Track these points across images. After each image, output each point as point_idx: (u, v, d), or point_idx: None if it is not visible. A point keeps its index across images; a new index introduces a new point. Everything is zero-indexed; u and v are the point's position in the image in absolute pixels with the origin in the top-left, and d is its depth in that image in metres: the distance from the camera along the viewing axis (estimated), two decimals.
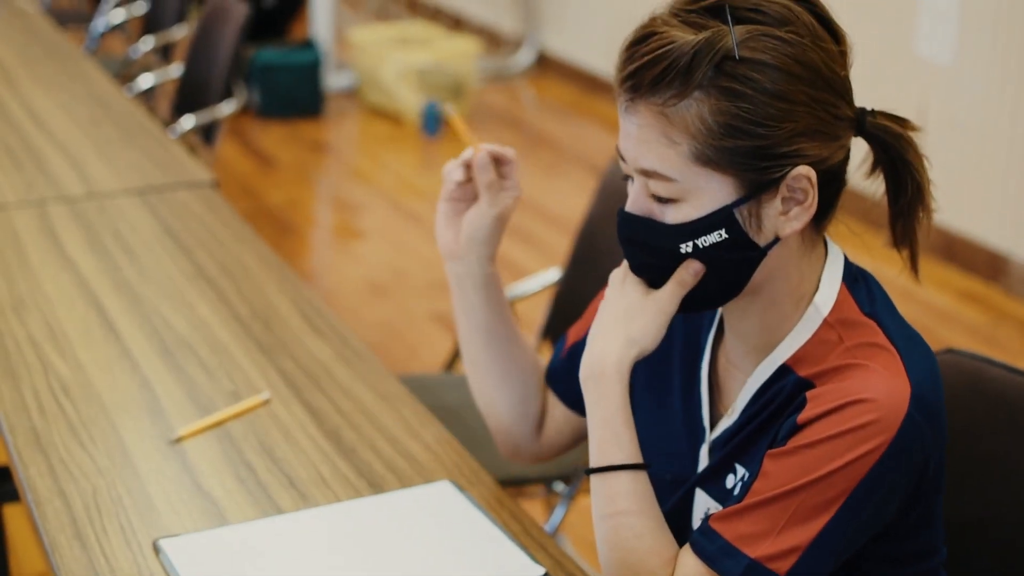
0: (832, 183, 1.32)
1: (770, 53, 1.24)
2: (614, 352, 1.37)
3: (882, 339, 1.31)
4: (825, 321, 1.33)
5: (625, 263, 1.40)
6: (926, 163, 1.35)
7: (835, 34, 1.30)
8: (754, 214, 1.28)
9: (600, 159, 5.58)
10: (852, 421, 1.25)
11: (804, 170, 1.27)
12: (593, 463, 1.37)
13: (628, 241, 1.35)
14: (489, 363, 1.64)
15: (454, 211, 1.61)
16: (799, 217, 1.29)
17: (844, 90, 1.29)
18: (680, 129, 1.25)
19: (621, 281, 1.40)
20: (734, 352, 1.42)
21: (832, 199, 1.33)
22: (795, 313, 1.35)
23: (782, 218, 1.29)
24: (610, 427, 1.36)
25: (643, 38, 1.27)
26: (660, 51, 1.24)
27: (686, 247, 1.30)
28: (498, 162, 1.58)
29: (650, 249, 1.33)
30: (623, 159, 1.32)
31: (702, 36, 1.24)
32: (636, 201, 1.32)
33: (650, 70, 1.25)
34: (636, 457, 1.36)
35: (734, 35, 1.24)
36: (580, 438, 1.65)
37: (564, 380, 1.62)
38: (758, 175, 1.26)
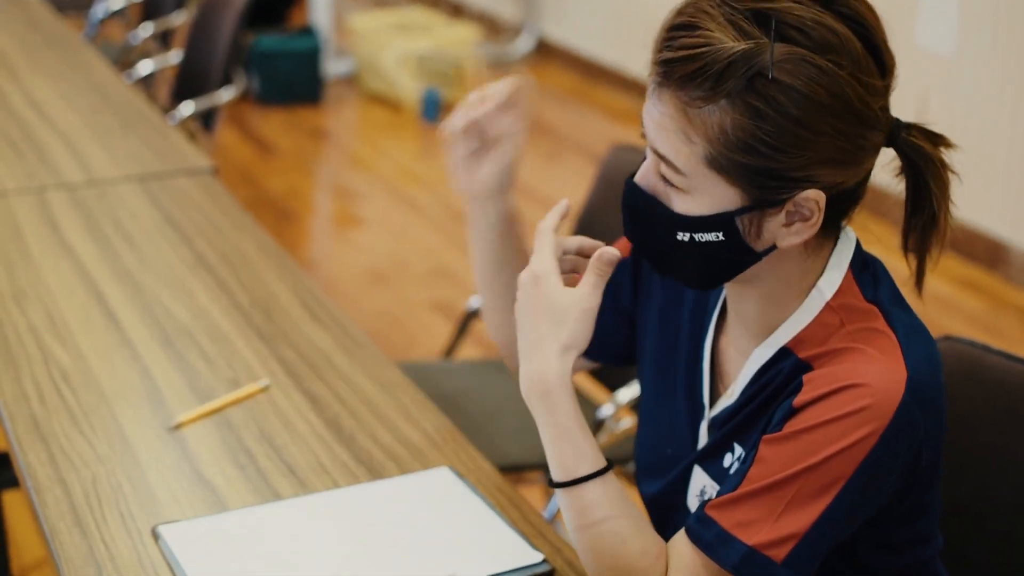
0: (845, 200, 1.31)
1: (803, 79, 1.21)
2: (552, 366, 1.34)
3: (882, 324, 1.31)
4: (828, 305, 1.33)
5: (530, 263, 1.38)
6: (951, 191, 1.33)
7: (882, 63, 1.27)
8: (755, 223, 1.28)
9: (599, 146, 5.57)
10: (847, 406, 1.25)
11: (813, 194, 1.26)
12: (558, 478, 1.35)
13: (630, 211, 1.35)
14: (500, 293, 1.65)
15: (466, 153, 1.61)
16: (800, 233, 1.29)
17: (875, 121, 1.27)
18: (699, 130, 1.24)
19: (534, 284, 1.36)
20: (736, 332, 1.43)
21: (844, 211, 1.32)
22: (797, 297, 1.35)
23: (783, 230, 1.29)
24: (568, 440, 1.34)
25: (685, 26, 1.24)
26: (697, 50, 1.22)
27: (683, 236, 1.29)
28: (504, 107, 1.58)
29: (649, 225, 1.33)
30: (643, 128, 1.31)
31: (741, 46, 1.21)
32: (646, 176, 1.32)
33: (683, 65, 1.23)
34: (600, 462, 1.34)
35: (773, 52, 1.21)
36: (587, 369, 1.71)
37: None
38: (766, 192, 1.26)
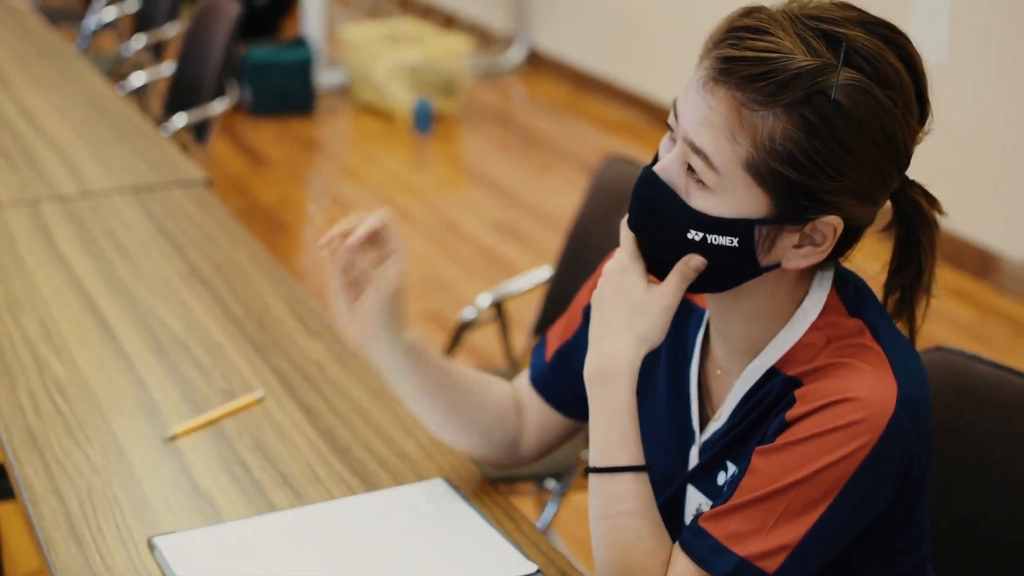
0: (849, 238, 1.33)
1: (862, 109, 1.24)
2: (625, 352, 1.36)
3: (869, 339, 1.32)
4: (813, 324, 1.34)
5: (617, 255, 1.40)
6: (937, 252, 1.37)
7: (923, 110, 1.31)
8: (770, 237, 1.29)
9: (591, 157, 5.59)
10: (839, 419, 1.26)
11: (834, 220, 1.28)
12: (596, 463, 1.37)
13: (643, 201, 1.34)
14: (442, 417, 1.61)
15: (351, 296, 1.54)
16: (808, 257, 1.31)
17: (905, 164, 1.30)
18: (747, 133, 1.25)
19: (619, 273, 1.38)
20: (721, 355, 1.43)
21: (848, 246, 1.35)
22: (783, 316, 1.36)
23: (792, 251, 1.30)
24: (617, 427, 1.36)
25: (755, 30, 1.25)
26: (767, 54, 1.23)
27: (694, 235, 1.30)
28: (373, 237, 1.52)
29: (660, 219, 1.33)
30: (675, 118, 1.31)
31: (811, 61, 1.23)
32: (669, 167, 1.31)
33: (749, 67, 1.24)
34: (640, 459, 1.36)
35: (839, 76, 1.23)
36: (566, 439, 1.65)
37: (551, 384, 1.61)
38: (793, 208, 1.27)
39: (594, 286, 1.55)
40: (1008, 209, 4.32)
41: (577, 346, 1.56)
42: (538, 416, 1.63)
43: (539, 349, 1.63)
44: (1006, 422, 1.61)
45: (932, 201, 1.36)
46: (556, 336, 1.61)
